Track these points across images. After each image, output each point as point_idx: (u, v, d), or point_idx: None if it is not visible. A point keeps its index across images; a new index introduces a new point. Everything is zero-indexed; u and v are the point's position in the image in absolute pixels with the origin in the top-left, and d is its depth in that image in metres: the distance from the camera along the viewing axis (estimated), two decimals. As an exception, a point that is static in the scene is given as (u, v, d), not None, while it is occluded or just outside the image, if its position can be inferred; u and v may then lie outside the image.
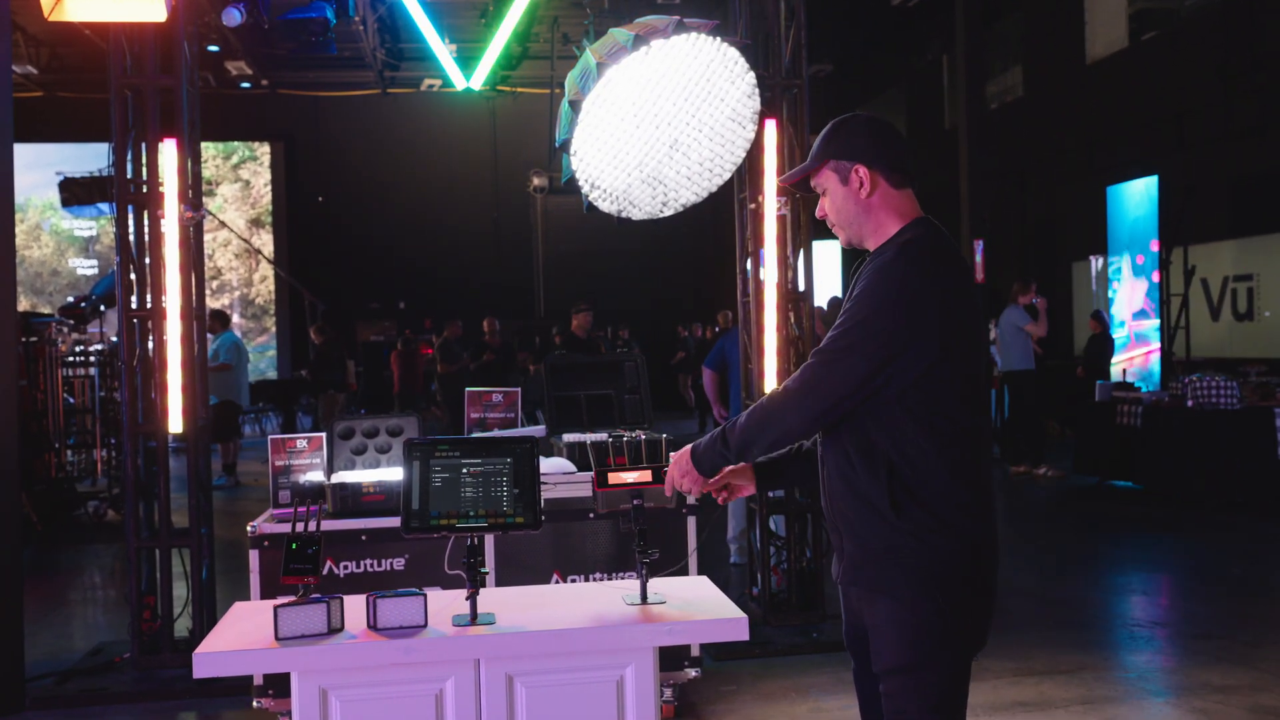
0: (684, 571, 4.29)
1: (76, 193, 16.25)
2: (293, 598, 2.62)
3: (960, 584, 2.39)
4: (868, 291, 2.41)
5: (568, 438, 4.67)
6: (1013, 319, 11.26)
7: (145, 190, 5.35)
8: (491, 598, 2.86)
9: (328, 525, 3.91)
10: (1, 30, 4.97)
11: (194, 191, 5.39)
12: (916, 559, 2.37)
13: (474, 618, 2.67)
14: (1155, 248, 11.76)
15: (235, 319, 21.00)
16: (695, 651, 4.44)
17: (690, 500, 4.39)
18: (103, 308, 10.97)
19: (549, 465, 4.42)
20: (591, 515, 4.29)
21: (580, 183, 4.13)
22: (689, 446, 2.63)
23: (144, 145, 5.33)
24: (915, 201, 2.54)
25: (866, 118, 2.59)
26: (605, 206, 4.28)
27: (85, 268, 21.76)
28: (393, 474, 4.24)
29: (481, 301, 21.31)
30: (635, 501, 2.86)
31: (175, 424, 5.24)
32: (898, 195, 2.51)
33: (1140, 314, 12.35)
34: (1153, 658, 5.51)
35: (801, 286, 6.02)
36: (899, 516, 2.37)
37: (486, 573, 2.76)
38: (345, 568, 4.16)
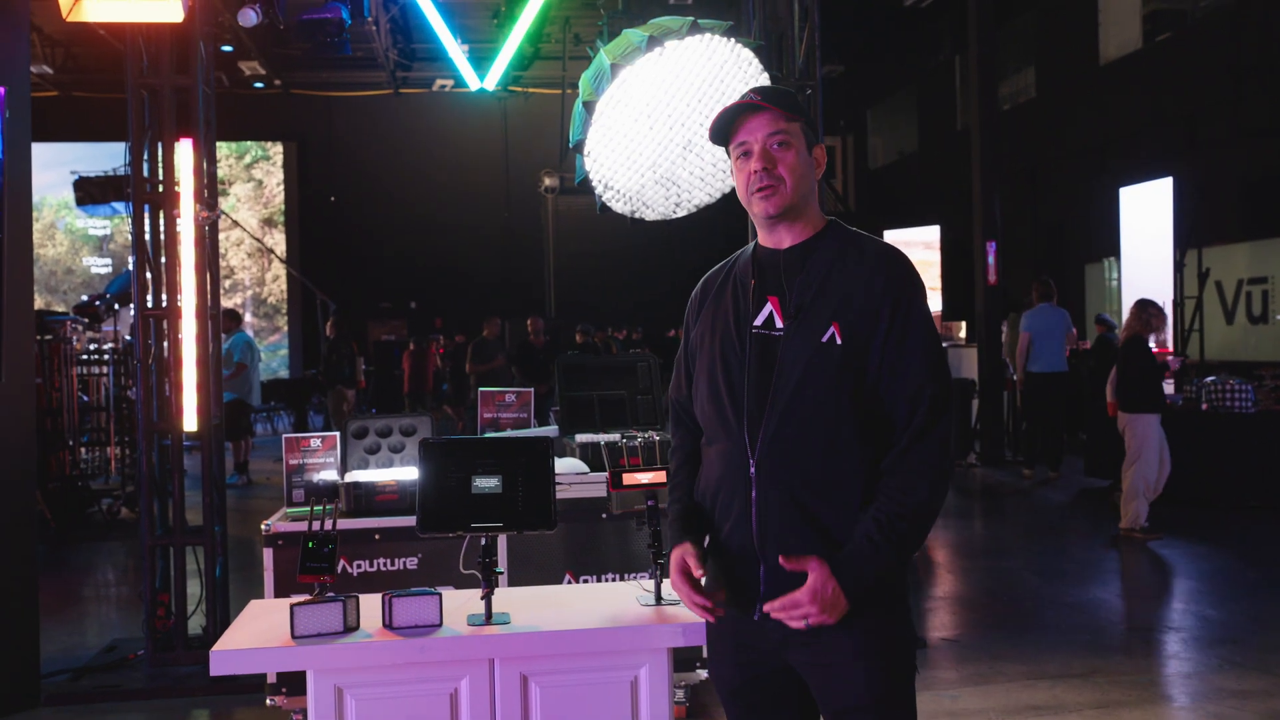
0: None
1: (91, 192, 16.32)
2: (308, 596, 2.63)
3: (906, 600, 2.31)
4: (919, 313, 2.27)
5: (580, 438, 4.68)
6: (1054, 319, 11.19)
7: (161, 189, 5.37)
8: (506, 597, 2.86)
9: (342, 524, 3.92)
10: (19, 31, 5.00)
11: (209, 191, 5.42)
12: (882, 590, 2.23)
13: (489, 617, 2.68)
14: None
15: (247, 318, 21.09)
16: (706, 653, 4.43)
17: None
18: (117, 306, 11.02)
19: (561, 466, 4.43)
20: (604, 516, 4.29)
21: (594, 183, 4.14)
22: (830, 577, 2.16)
23: (160, 145, 5.36)
24: None
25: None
26: (619, 207, 4.29)
27: (99, 266, 21.87)
28: (406, 473, 4.25)
29: (492, 302, 21.37)
30: (649, 502, 2.87)
31: (190, 422, 5.27)
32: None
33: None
34: (1167, 662, 5.50)
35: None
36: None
37: (501, 572, 2.77)
38: (359, 566, 4.17)
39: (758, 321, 2.33)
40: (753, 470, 2.26)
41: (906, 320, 2.25)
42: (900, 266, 2.30)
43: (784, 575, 2.20)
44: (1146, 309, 8.33)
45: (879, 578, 2.18)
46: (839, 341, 2.24)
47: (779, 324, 2.30)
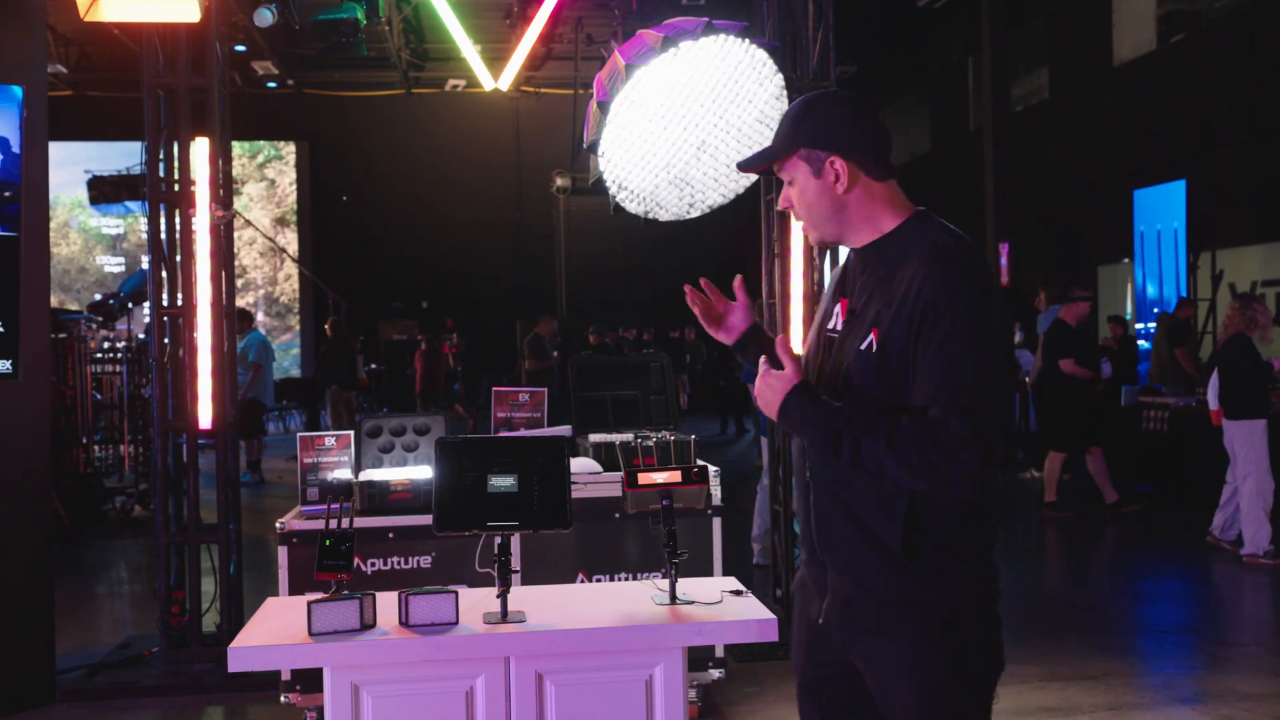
0: (709, 573, 4.31)
1: (105, 191, 16.42)
2: (324, 593, 2.64)
3: (982, 624, 2.18)
4: (949, 325, 2.05)
5: (594, 438, 4.68)
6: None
7: (177, 189, 5.40)
8: (521, 596, 2.87)
9: (356, 523, 3.93)
10: (35, 31, 5.03)
11: (224, 190, 5.44)
12: (933, 607, 2.12)
13: (504, 615, 2.69)
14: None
15: (260, 317, 21.13)
16: (720, 652, 4.45)
17: (716, 503, 4.40)
18: (130, 305, 11.06)
19: (575, 466, 4.44)
20: (618, 515, 4.30)
21: (608, 184, 4.15)
22: (792, 386, 2.14)
23: (175, 144, 5.38)
24: (902, 193, 2.26)
25: (842, 97, 2.28)
26: (633, 207, 4.29)
27: (113, 265, 21.96)
28: (421, 472, 4.27)
29: (503, 301, 21.41)
30: (664, 502, 2.87)
31: (205, 420, 5.29)
32: (881, 188, 2.22)
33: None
34: (1179, 664, 5.48)
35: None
36: (913, 561, 2.10)
37: (516, 571, 2.78)
38: (373, 565, 4.18)
39: (829, 324, 2.29)
40: (808, 473, 2.26)
41: (933, 331, 2.04)
42: (946, 270, 2.08)
43: (846, 579, 2.18)
44: (1250, 305, 7.65)
45: (804, 431, 2.14)
46: (874, 349, 2.12)
47: (839, 326, 2.26)
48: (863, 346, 2.14)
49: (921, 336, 2.05)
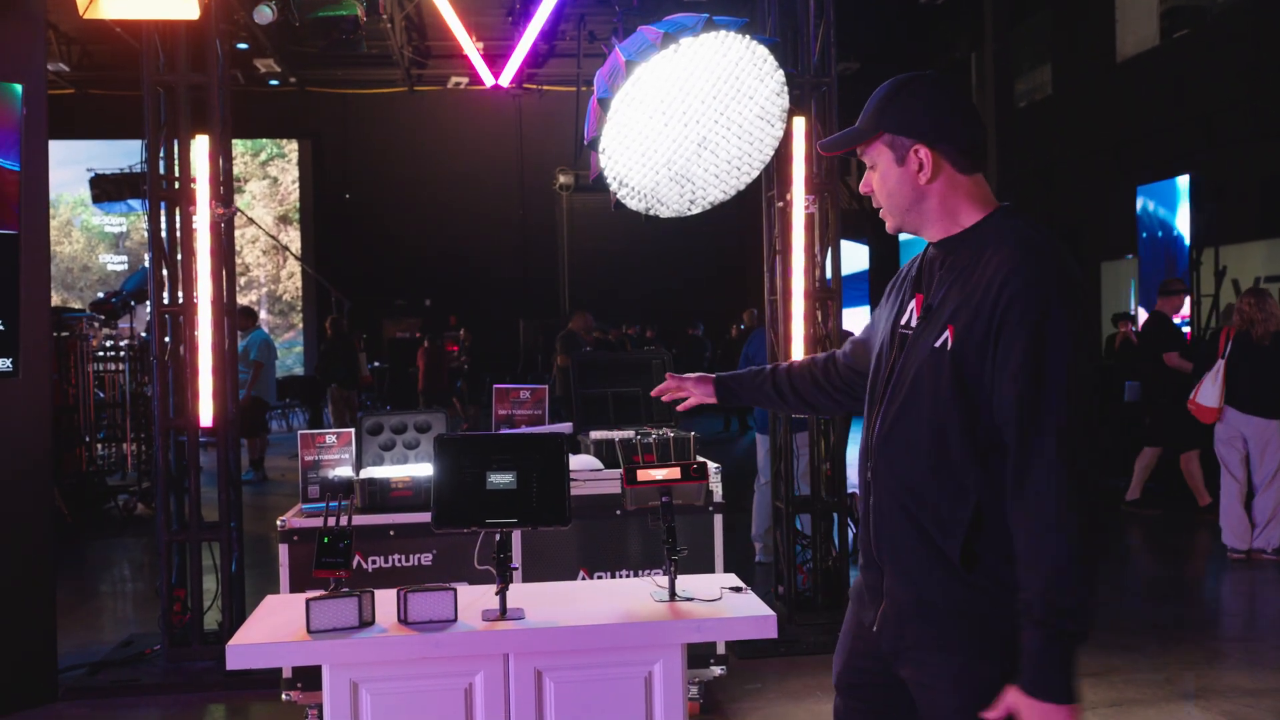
0: (710, 570, 4.30)
1: (107, 189, 16.40)
2: (323, 591, 2.64)
3: None
4: (1037, 330, 1.95)
5: (595, 435, 4.68)
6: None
7: (177, 186, 5.39)
8: (520, 593, 2.87)
9: (357, 520, 3.93)
10: (35, 29, 5.02)
11: (225, 188, 5.44)
12: (990, 621, 2.04)
13: (503, 613, 2.69)
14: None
15: (263, 315, 21.15)
16: (721, 649, 4.44)
17: (717, 500, 4.40)
18: (133, 303, 11.07)
19: (575, 462, 4.43)
20: (619, 512, 4.30)
21: (609, 180, 4.13)
22: (1027, 699, 1.95)
23: (176, 142, 5.38)
24: (988, 187, 2.18)
25: (932, 80, 2.16)
26: (633, 204, 4.28)
27: (115, 263, 21.98)
28: (421, 469, 4.27)
29: (506, 299, 21.41)
30: (664, 499, 2.87)
31: (206, 418, 5.29)
32: (966, 181, 2.13)
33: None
34: (1181, 660, 5.47)
35: (830, 285, 6.01)
36: (970, 571, 2.03)
37: (516, 568, 2.78)
38: (374, 562, 4.18)
39: (903, 320, 2.21)
40: (870, 473, 2.19)
41: (1016, 333, 1.94)
42: (1033, 271, 1.98)
43: (903, 586, 2.11)
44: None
45: (1065, 657, 1.93)
46: (949, 347, 2.04)
47: (913, 323, 2.17)
48: (936, 344, 2.06)
49: (1003, 338, 1.96)
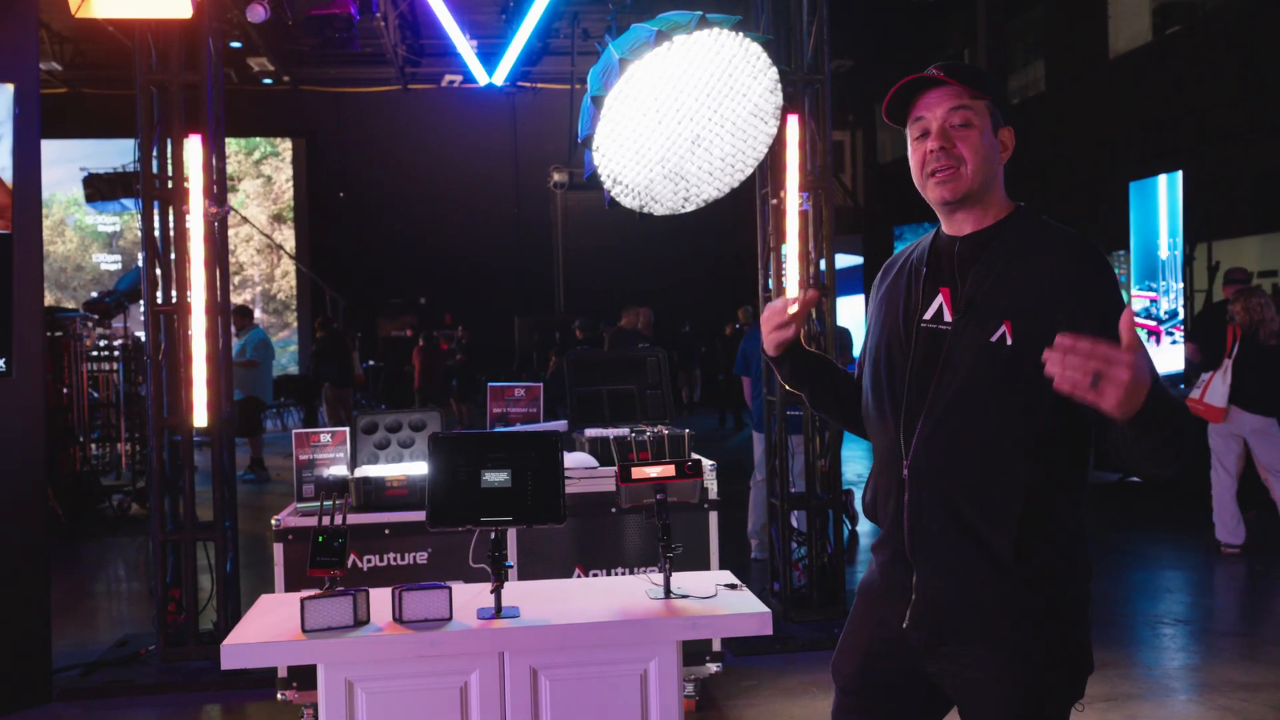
0: (706, 567, 4.31)
1: (100, 188, 16.37)
2: (318, 590, 2.64)
3: (1081, 625, 2.12)
4: (1107, 311, 1.95)
5: (589, 433, 4.68)
6: None
7: (170, 185, 5.38)
8: (515, 591, 2.87)
9: (352, 519, 3.93)
10: (28, 27, 5.01)
11: (219, 187, 5.43)
12: (1039, 612, 2.05)
13: (498, 611, 2.69)
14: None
15: (257, 314, 21.11)
16: (716, 646, 4.45)
17: (712, 497, 4.40)
18: (126, 303, 11.05)
19: (570, 460, 4.44)
20: (614, 510, 4.30)
21: (602, 178, 4.13)
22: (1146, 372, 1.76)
23: (169, 141, 5.37)
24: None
25: None
26: (627, 202, 4.28)
27: (109, 263, 21.91)
28: (416, 468, 4.26)
29: (502, 297, 21.40)
30: (659, 496, 2.87)
31: (200, 418, 5.28)
32: (1002, 178, 2.22)
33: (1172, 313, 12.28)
34: (1176, 654, 5.49)
35: (824, 282, 6.02)
36: (1023, 564, 2.03)
37: (511, 566, 2.78)
38: (369, 561, 4.18)
39: (927, 315, 2.17)
40: (905, 471, 2.12)
41: (1090, 325, 1.87)
42: (1086, 258, 2.06)
43: (942, 582, 2.10)
44: None
45: (1159, 408, 1.80)
46: (1009, 342, 2.03)
47: (948, 318, 2.13)
48: (993, 338, 2.05)
49: (1077, 325, 1.88)
